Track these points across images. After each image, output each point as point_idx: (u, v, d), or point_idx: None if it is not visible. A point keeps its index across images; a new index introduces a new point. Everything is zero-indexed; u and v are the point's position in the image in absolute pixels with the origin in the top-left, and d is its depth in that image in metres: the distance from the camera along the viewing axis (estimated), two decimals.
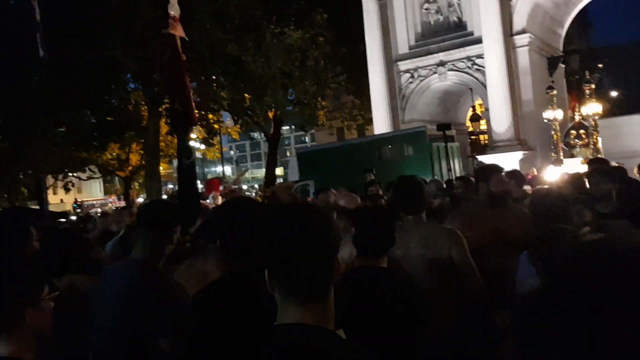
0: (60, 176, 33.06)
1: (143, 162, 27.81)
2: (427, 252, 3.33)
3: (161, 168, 26.55)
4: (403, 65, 20.99)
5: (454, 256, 3.32)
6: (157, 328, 2.37)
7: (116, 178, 47.50)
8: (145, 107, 24.44)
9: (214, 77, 22.94)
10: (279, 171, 42.96)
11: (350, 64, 23.84)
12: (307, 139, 73.07)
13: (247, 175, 71.59)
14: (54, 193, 38.41)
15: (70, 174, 33.56)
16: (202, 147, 30.57)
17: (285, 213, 1.50)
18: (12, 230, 3.70)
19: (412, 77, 20.94)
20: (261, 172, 64.26)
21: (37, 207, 28.46)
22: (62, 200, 49.26)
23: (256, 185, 53.25)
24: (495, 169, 4.31)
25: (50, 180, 29.90)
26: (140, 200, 39.74)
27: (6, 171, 29.57)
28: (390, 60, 20.99)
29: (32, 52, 16.14)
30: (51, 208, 30.28)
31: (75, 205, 44.04)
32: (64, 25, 19.50)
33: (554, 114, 17.39)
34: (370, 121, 25.00)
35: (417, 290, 2.72)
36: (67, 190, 36.11)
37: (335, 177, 12.78)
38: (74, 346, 2.39)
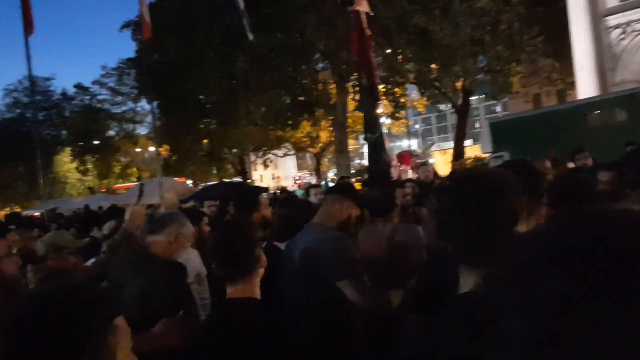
0: (260, 153, 36.23)
1: (332, 139, 28.89)
2: None
3: (349, 144, 27.27)
4: (613, 20, 19.16)
5: None
6: (332, 274, 2.78)
7: (307, 154, 50.41)
8: (334, 85, 25.22)
9: (399, 51, 22.70)
10: (467, 143, 41.52)
11: (548, 24, 21.82)
12: (498, 108, 69.40)
13: (433, 148, 70.74)
14: (255, 169, 42.12)
15: (268, 152, 36.63)
16: (388, 121, 30.73)
17: (454, 181, 1.49)
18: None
19: (624, 32, 19.15)
20: (447, 145, 62.82)
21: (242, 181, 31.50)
22: (261, 176, 54.06)
23: None
24: None
25: (251, 157, 32.73)
26: (330, 174, 41.73)
27: (215, 150, 33.29)
28: (597, 16, 19.17)
29: (236, 39, 17.92)
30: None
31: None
32: (259, 12, 20.88)
33: None
34: (572, 85, 22.98)
35: None
36: (265, 166, 39.54)
37: (533, 148, 11.82)
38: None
